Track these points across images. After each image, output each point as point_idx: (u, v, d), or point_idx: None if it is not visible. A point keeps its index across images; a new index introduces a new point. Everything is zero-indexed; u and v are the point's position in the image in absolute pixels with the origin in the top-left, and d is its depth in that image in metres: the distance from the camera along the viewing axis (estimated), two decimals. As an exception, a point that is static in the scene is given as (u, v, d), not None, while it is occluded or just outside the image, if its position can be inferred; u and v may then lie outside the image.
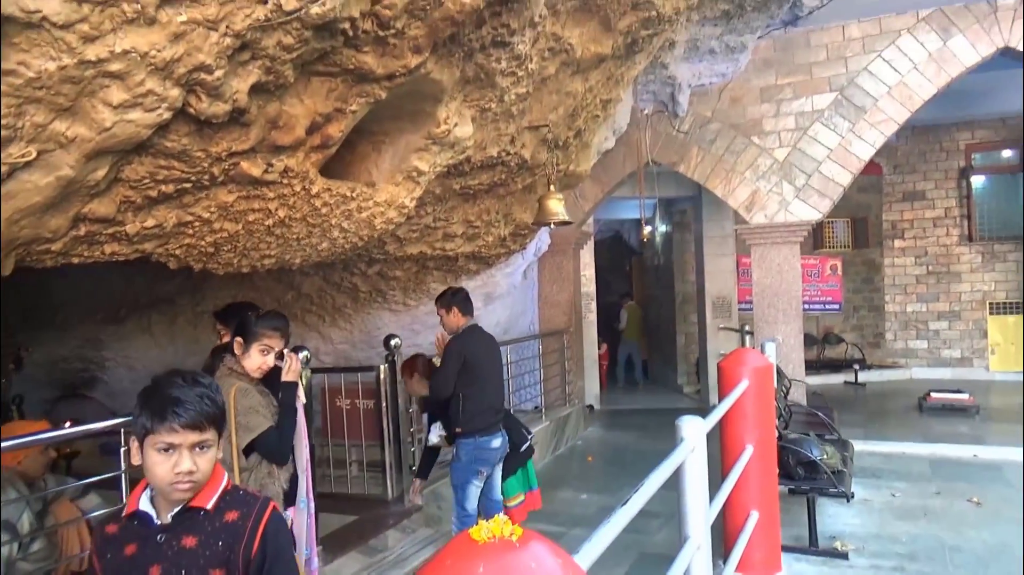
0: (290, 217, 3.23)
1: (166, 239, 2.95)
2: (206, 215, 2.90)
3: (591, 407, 8.99)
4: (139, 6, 1.82)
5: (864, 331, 10.66)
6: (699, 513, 2.25)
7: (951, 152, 10.24)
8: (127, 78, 1.95)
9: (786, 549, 3.88)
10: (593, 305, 9.63)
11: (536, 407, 7.32)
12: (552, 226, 5.16)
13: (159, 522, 1.47)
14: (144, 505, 1.48)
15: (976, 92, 8.03)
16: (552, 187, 4.90)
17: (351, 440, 5.18)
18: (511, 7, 3.05)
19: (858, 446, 5.55)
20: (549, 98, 4.23)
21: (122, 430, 2.69)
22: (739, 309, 9.59)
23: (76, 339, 6.74)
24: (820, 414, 5.28)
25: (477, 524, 1.10)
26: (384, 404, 4.84)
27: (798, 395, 6.13)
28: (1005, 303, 9.91)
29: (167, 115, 2.13)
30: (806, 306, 8.75)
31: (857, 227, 10.54)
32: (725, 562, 3.16)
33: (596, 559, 1.44)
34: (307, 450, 2.96)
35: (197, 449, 1.45)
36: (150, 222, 2.73)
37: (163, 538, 1.45)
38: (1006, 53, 5.85)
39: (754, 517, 3.40)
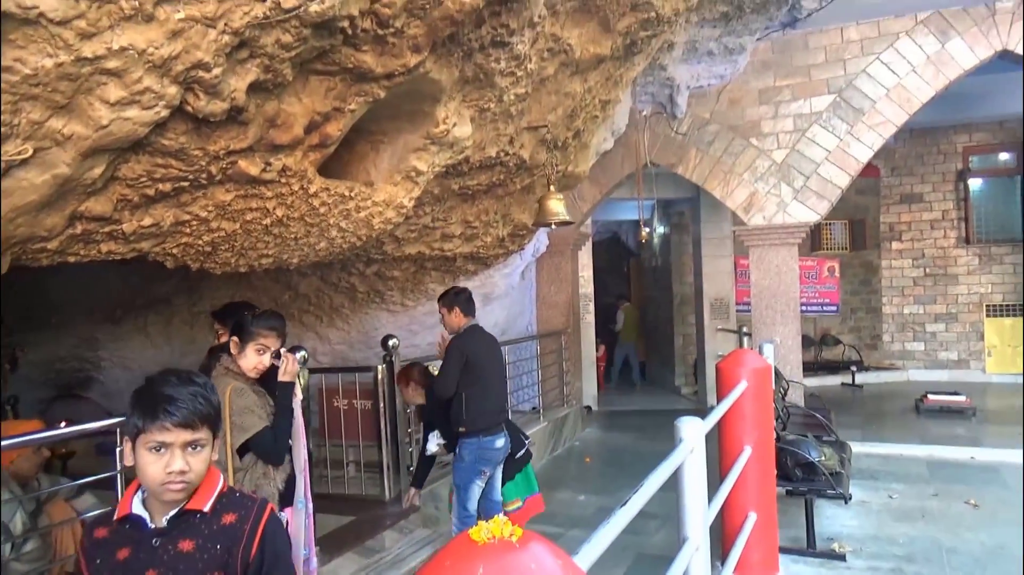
0: (288, 216, 3.22)
1: (163, 238, 2.94)
2: (203, 214, 2.88)
3: (589, 408, 8.98)
4: (137, 3, 1.81)
5: (861, 333, 10.67)
6: (698, 514, 2.24)
7: (949, 155, 10.26)
8: (124, 75, 1.94)
9: (784, 550, 3.88)
10: (591, 306, 9.63)
11: (534, 408, 7.31)
12: (553, 226, 5.15)
13: (153, 525, 1.44)
14: (137, 508, 1.45)
15: (974, 95, 8.05)
16: (552, 187, 4.90)
17: (348, 440, 5.16)
18: (510, 7, 3.05)
19: (855, 448, 5.55)
20: (548, 99, 4.22)
21: (118, 430, 2.67)
22: (737, 310, 9.59)
23: (72, 339, 6.72)
24: (818, 415, 5.28)
25: (477, 525, 1.10)
26: (382, 405, 4.83)
27: (796, 397, 6.14)
28: (1002, 306, 9.92)
29: (164, 113, 2.12)
30: (804, 308, 8.75)
31: (855, 229, 10.56)
32: (723, 563, 3.16)
33: (595, 560, 1.43)
34: (305, 450, 2.95)
35: (190, 449, 1.43)
36: (147, 221, 2.72)
37: (158, 542, 1.43)
38: (1004, 56, 5.86)
39: (752, 518, 3.39)
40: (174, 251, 3.09)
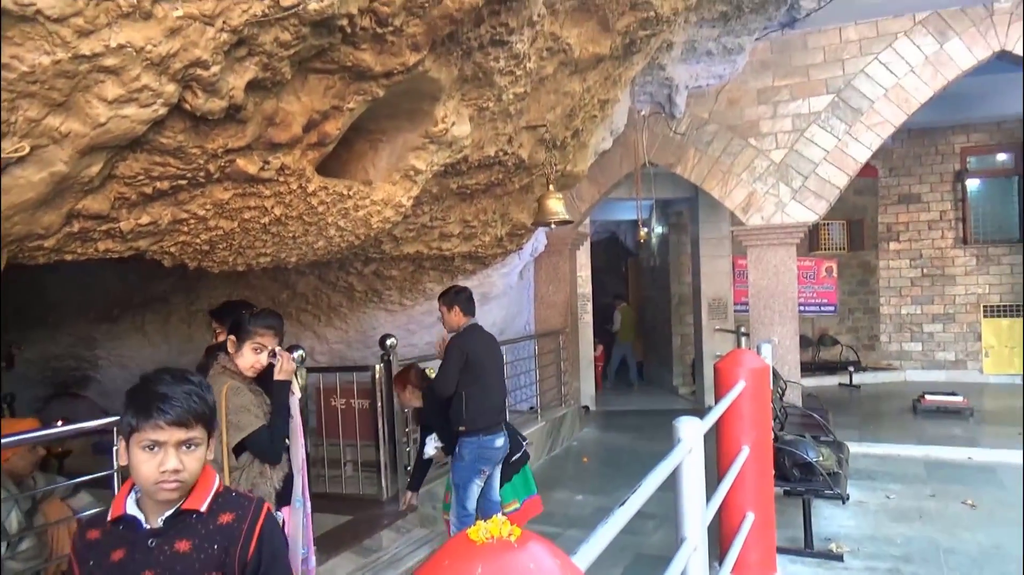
0: (286, 215, 3.21)
1: (161, 236, 2.93)
2: (201, 212, 2.88)
3: (587, 408, 8.98)
4: (135, 0, 1.80)
5: (859, 333, 10.68)
6: (696, 514, 2.24)
7: (947, 155, 10.27)
8: (122, 73, 1.93)
9: (781, 551, 3.88)
10: (589, 306, 9.63)
11: (532, 408, 7.31)
12: (552, 226, 5.15)
13: (148, 526, 1.42)
14: (131, 509, 1.43)
15: (972, 95, 8.05)
16: (551, 187, 4.90)
17: (346, 440, 5.16)
18: (510, 6, 3.05)
19: (853, 448, 5.55)
20: (547, 98, 4.22)
21: (114, 429, 2.66)
22: (735, 311, 9.60)
23: (69, 337, 6.70)
24: (815, 416, 5.28)
25: (475, 524, 1.09)
26: (379, 404, 4.83)
27: (793, 397, 6.14)
28: (999, 306, 9.94)
29: (162, 111, 2.12)
30: (802, 308, 8.75)
31: (853, 229, 10.57)
32: (721, 563, 3.16)
33: (593, 560, 1.43)
34: (303, 450, 2.94)
35: (184, 447, 1.41)
36: (145, 219, 2.71)
37: (154, 542, 1.41)
38: (1002, 57, 5.87)
39: (750, 518, 3.39)
40: (172, 250, 3.08)
